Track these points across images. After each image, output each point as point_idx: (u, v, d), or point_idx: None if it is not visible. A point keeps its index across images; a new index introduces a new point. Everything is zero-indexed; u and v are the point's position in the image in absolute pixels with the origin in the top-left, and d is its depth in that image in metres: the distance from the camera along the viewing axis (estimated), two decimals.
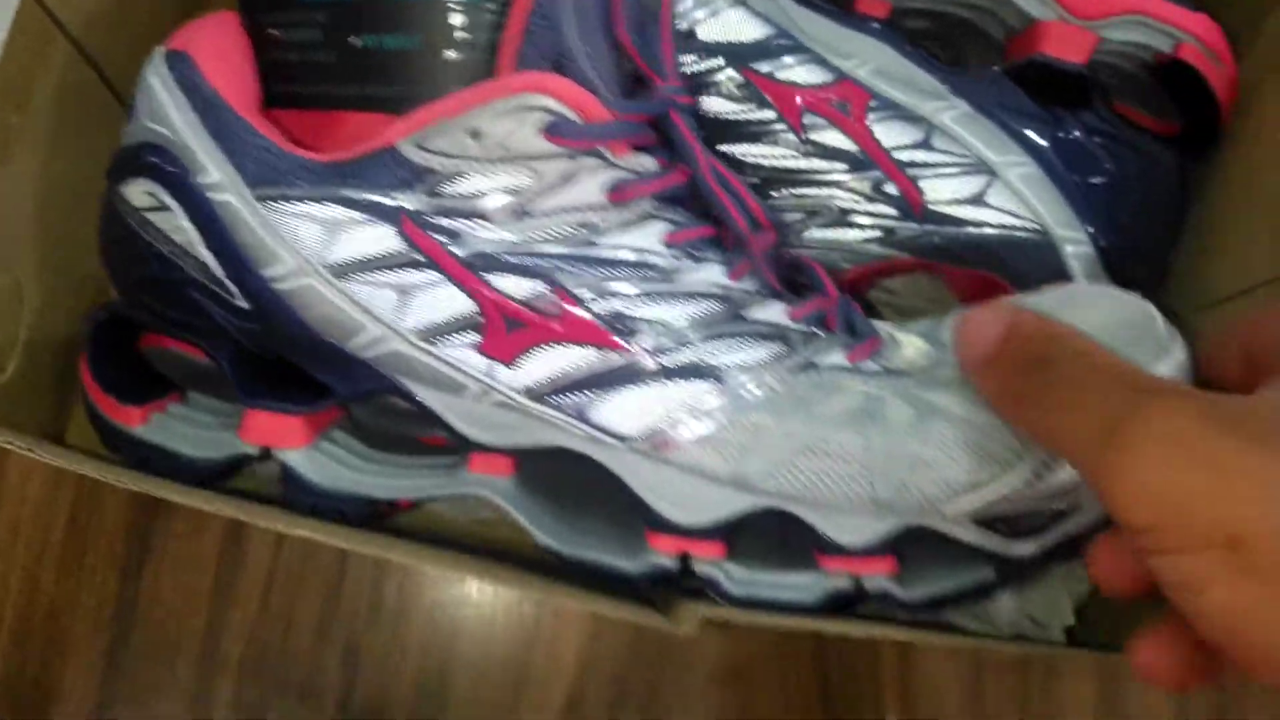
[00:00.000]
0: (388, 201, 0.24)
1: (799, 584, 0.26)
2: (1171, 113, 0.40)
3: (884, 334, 0.27)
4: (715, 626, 0.45)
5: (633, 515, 0.26)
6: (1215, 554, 0.19)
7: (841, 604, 0.26)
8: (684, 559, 0.26)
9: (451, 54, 0.24)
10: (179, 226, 0.25)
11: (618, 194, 0.25)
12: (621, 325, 0.25)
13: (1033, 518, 0.25)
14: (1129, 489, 0.20)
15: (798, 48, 0.37)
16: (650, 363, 0.25)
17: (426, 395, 0.26)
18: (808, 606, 0.26)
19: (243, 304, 0.26)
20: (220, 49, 0.26)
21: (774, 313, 0.26)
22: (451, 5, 0.24)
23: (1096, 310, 0.26)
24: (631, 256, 0.25)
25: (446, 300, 0.25)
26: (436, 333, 0.25)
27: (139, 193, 0.26)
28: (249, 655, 0.45)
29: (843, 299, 0.28)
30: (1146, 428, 0.20)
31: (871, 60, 0.37)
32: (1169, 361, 0.25)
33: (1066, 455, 0.22)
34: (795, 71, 0.36)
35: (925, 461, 0.24)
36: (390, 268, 0.25)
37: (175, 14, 0.43)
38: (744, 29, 0.36)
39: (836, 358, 0.26)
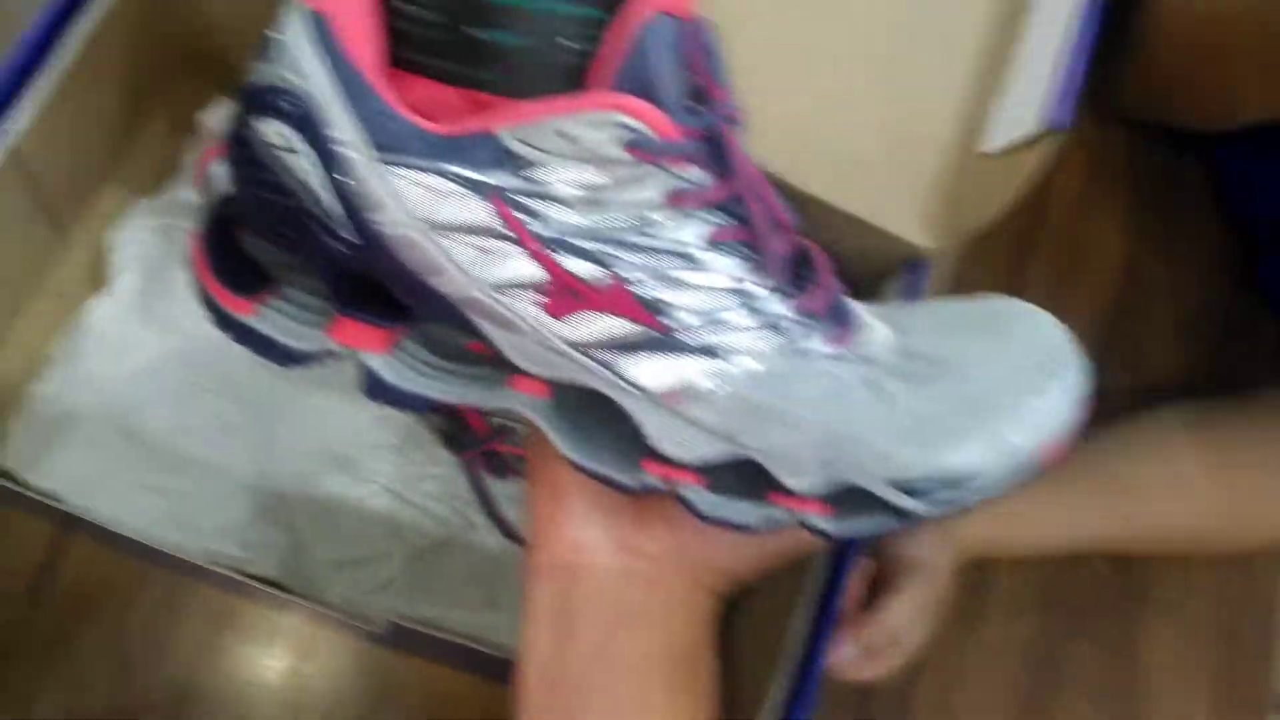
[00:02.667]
0: (483, 179, 0.29)
1: (751, 511, 0.34)
2: None
3: (862, 320, 0.34)
4: (429, 672, 0.57)
5: (632, 444, 0.33)
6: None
7: (779, 527, 0.34)
8: (669, 482, 0.33)
9: (552, 58, 0.31)
10: (305, 169, 0.29)
11: (676, 200, 0.31)
12: (658, 307, 0.31)
13: (927, 484, 0.33)
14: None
15: None
16: (677, 340, 0.31)
17: (488, 329, 0.31)
18: (754, 528, 0.34)
19: (351, 238, 0.30)
20: (353, 10, 0.30)
21: (779, 307, 0.33)
22: (562, 19, 0.30)
23: (1011, 336, 0.34)
24: (677, 249, 0.31)
25: (521, 267, 0.30)
26: (507, 288, 0.30)
27: (273, 132, 0.30)
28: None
29: (836, 291, 0.34)
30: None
31: None
32: (1060, 384, 0.33)
33: None
34: None
35: (868, 441, 0.32)
36: (479, 234, 0.30)
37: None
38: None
39: (819, 345, 0.33)
